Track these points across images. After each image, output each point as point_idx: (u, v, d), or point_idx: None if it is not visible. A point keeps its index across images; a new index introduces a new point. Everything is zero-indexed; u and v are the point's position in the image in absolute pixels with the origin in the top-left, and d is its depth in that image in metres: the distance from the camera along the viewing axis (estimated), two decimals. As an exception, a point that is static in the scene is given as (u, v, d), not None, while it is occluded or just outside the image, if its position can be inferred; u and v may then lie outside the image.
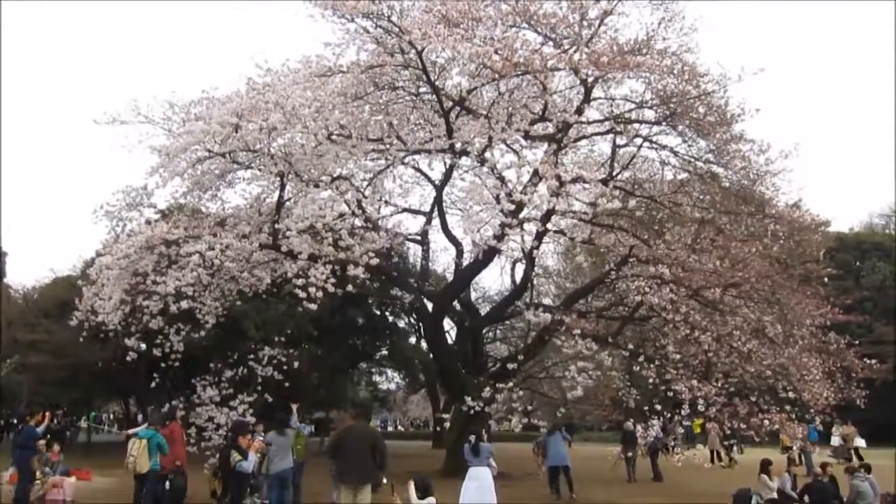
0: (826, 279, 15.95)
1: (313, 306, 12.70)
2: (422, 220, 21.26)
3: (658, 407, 14.79)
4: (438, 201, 19.30)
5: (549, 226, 15.31)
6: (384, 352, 32.15)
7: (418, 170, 19.32)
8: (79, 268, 28.82)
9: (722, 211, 16.23)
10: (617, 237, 17.13)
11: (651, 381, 14.20)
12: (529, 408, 15.88)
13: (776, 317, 15.01)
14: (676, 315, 13.88)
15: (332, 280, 12.71)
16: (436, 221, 19.68)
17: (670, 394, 13.86)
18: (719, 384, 13.61)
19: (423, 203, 21.50)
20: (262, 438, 11.98)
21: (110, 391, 32.34)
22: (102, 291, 15.43)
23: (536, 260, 19.19)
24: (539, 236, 15.91)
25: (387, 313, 30.43)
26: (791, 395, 14.06)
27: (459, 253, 19.83)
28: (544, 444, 15.66)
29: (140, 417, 34.60)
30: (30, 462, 14.19)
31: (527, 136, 13.20)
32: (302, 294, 12.74)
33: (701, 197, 17.06)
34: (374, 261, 13.03)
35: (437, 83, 13.01)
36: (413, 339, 34.73)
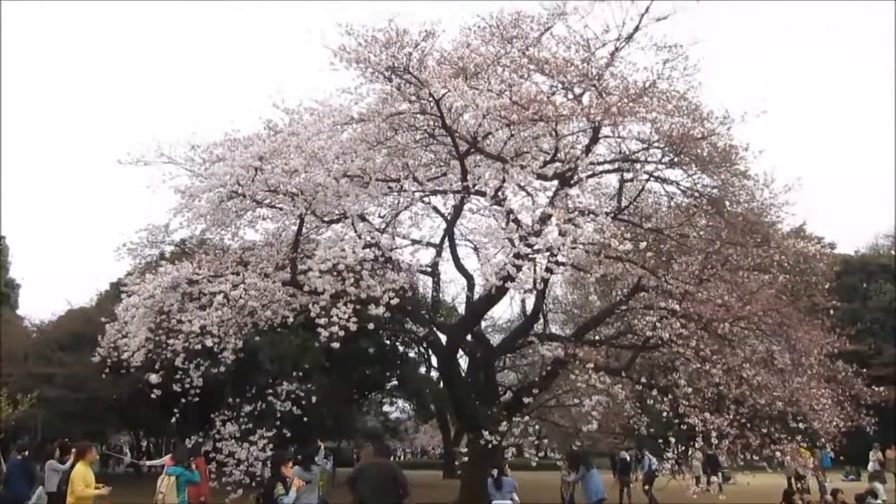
0: (832, 311, 16.26)
1: (336, 345, 13.08)
2: (431, 250, 21.63)
3: (672, 439, 15.06)
4: (450, 235, 19.63)
5: (559, 258, 15.69)
6: (394, 382, 32.39)
7: (423, 202, 19.72)
8: (94, 300, 29.35)
9: (727, 242, 16.61)
10: (625, 267, 17.47)
11: (665, 413, 14.50)
12: (545, 440, 16.06)
13: (784, 347, 15.32)
14: (687, 349, 14.21)
15: (354, 319, 13.09)
16: (446, 254, 20.01)
17: (683, 426, 14.15)
18: (731, 415, 13.89)
19: (433, 235, 21.86)
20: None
21: (122, 423, 32.60)
22: (125, 328, 15.89)
23: (546, 290, 19.49)
24: (549, 270, 16.27)
25: (397, 343, 30.68)
26: (802, 424, 14.36)
27: (471, 286, 20.19)
28: (581, 479, 15.78)
29: (152, 448, 34.87)
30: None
31: (539, 176, 13.63)
32: (325, 333, 13.12)
33: (707, 226, 17.42)
34: (395, 300, 13.40)
35: (452, 126, 13.45)
36: (423, 369, 34.99)
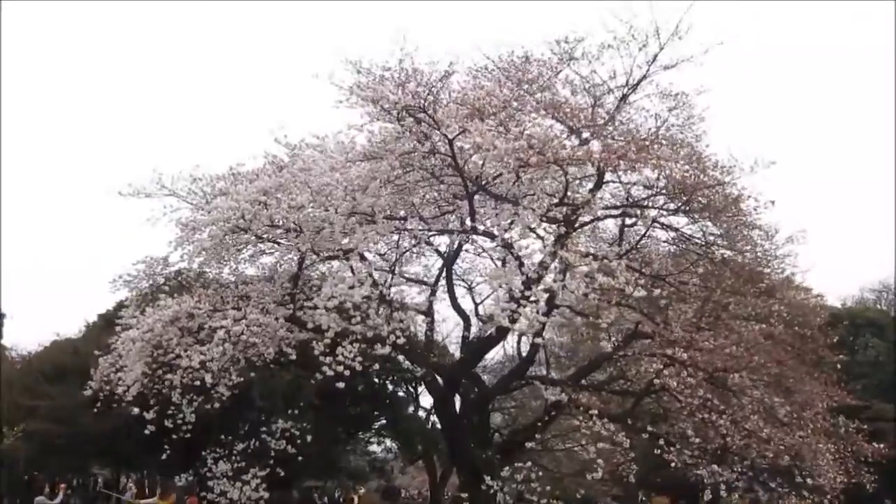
0: (839, 364, 16.27)
1: (341, 384, 12.87)
2: (424, 289, 21.42)
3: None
4: (448, 275, 19.51)
5: (568, 302, 15.59)
6: (383, 421, 32.01)
7: (429, 244, 19.64)
8: (82, 331, 28.84)
9: (728, 291, 16.59)
10: (620, 312, 17.40)
11: (673, 465, 14.31)
12: (548, 487, 15.73)
13: (785, 399, 15.23)
14: (695, 398, 14.10)
15: (360, 358, 12.90)
16: (439, 293, 19.84)
17: (692, 478, 13.98)
18: (739, 468, 13.74)
19: (427, 274, 21.70)
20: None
21: (106, 459, 31.82)
22: (119, 362, 15.59)
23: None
24: (548, 314, 16.17)
25: (387, 382, 30.37)
26: (809, 480, 14.23)
27: (467, 327, 20.03)
28: None
29: (130, 486, 33.96)
30: None
31: (549, 220, 13.59)
32: (330, 371, 12.93)
33: (712, 273, 17.39)
34: (402, 339, 13.26)
35: (462, 167, 13.42)
36: (411, 409, 34.53)
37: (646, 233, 17.58)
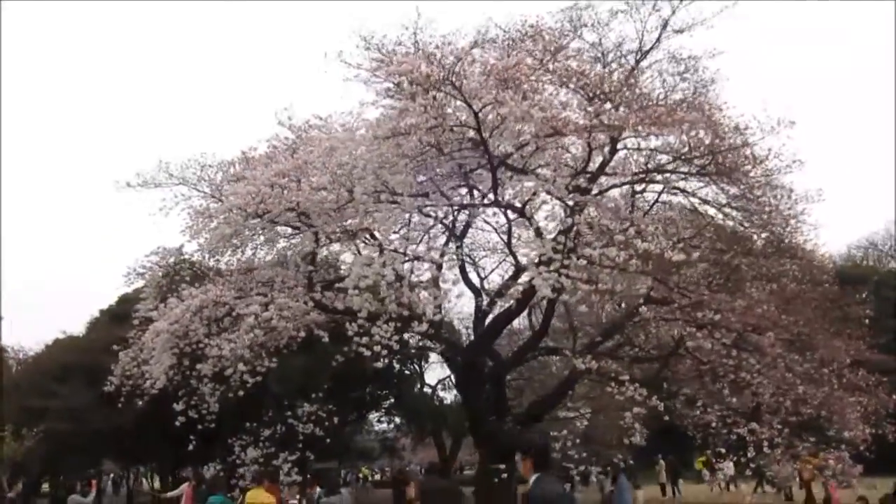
0: (866, 320, 16.42)
1: (379, 364, 12.81)
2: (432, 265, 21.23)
3: (723, 450, 15.07)
4: (458, 251, 19.36)
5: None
6: (391, 400, 32.14)
7: (442, 222, 19.52)
8: (85, 328, 28.44)
9: (740, 252, 16.62)
10: (626, 278, 17.38)
11: (713, 425, 14.44)
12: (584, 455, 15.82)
13: (810, 356, 15.37)
14: (730, 359, 14.18)
15: (396, 337, 12.81)
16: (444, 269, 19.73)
17: (733, 436, 14.12)
18: (776, 426, 13.87)
19: (433, 249, 21.49)
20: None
21: (120, 454, 31.57)
22: (140, 356, 15.43)
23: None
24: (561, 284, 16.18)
25: (393, 361, 30.37)
26: (846, 433, 14.43)
27: (480, 301, 19.97)
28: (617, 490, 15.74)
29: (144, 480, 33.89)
30: None
31: (576, 189, 13.50)
32: (367, 352, 12.84)
33: (720, 236, 17.39)
34: (438, 316, 13.19)
35: (487, 139, 13.26)
36: (417, 386, 34.65)
37: (657, 198, 17.58)
